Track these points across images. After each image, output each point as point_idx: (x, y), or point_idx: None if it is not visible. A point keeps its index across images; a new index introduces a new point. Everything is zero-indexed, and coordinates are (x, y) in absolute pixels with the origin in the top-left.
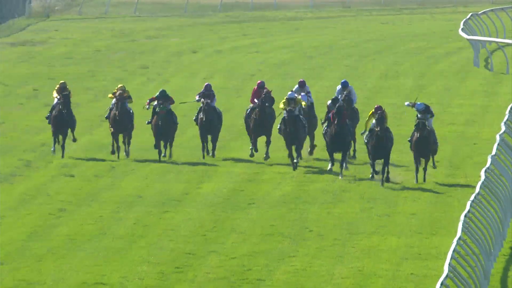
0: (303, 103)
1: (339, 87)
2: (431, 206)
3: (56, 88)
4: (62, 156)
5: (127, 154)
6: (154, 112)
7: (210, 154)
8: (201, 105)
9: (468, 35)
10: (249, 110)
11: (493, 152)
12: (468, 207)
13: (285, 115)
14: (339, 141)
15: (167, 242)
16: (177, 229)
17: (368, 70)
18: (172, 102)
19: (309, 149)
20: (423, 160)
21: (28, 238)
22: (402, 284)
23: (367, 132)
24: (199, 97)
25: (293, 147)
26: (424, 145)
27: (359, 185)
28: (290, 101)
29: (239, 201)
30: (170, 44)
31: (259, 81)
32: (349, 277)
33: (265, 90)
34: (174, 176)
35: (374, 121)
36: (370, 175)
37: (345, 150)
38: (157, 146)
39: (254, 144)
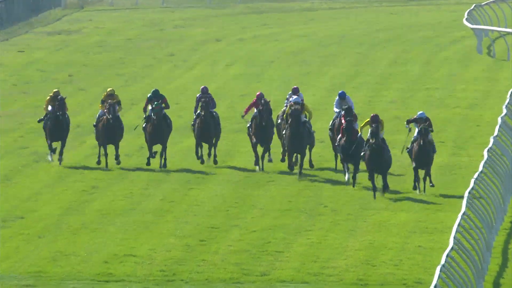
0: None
1: (337, 98)
2: (437, 184)
3: (48, 98)
4: (60, 163)
5: (118, 160)
6: (147, 119)
7: (210, 160)
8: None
9: (472, 24)
10: (249, 123)
11: (495, 133)
12: (471, 184)
13: (290, 112)
14: (351, 153)
15: (192, 217)
16: (201, 205)
17: (378, 58)
18: (167, 105)
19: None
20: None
21: (63, 213)
22: (411, 255)
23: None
24: (197, 103)
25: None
26: (425, 157)
27: None
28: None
29: (259, 179)
30: (196, 33)
31: (258, 93)
32: (361, 249)
33: (263, 101)
34: None
35: (370, 131)
36: (372, 190)
37: (357, 161)
38: (149, 150)
39: (256, 154)
